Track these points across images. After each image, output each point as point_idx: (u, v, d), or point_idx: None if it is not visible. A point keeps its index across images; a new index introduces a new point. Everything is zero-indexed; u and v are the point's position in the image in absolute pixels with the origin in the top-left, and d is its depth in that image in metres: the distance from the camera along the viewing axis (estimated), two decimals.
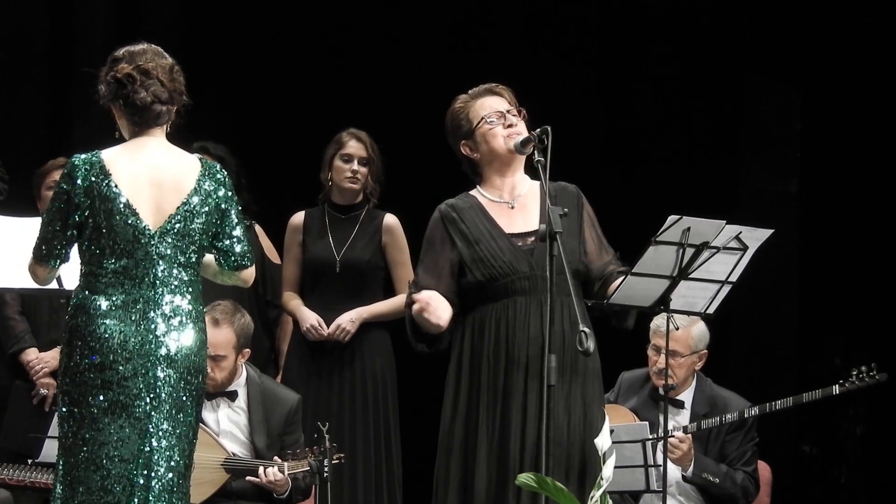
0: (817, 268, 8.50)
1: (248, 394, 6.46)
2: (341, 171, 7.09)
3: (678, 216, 5.28)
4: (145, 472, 4.90)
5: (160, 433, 4.92)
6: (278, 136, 8.21)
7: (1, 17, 7.92)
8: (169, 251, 4.96)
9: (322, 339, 6.96)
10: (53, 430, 5.27)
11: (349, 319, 6.96)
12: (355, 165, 7.09)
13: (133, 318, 4.92)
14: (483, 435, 5.17)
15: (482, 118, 5.36)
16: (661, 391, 6.40)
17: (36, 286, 5.20)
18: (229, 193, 5.07)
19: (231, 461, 6.31)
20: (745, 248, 5.45)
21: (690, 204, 5.66)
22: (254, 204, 7.08)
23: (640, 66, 8.57)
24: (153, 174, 4.99)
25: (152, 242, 4.95)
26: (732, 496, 6.56)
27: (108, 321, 4.91)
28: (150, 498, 4.90)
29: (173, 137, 5.11)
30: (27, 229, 5.42)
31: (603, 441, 4.76)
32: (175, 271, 4.97)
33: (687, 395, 6.66)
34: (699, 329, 6.64)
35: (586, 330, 4.92)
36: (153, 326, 4.93)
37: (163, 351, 4.93)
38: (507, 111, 5.38)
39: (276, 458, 6.30)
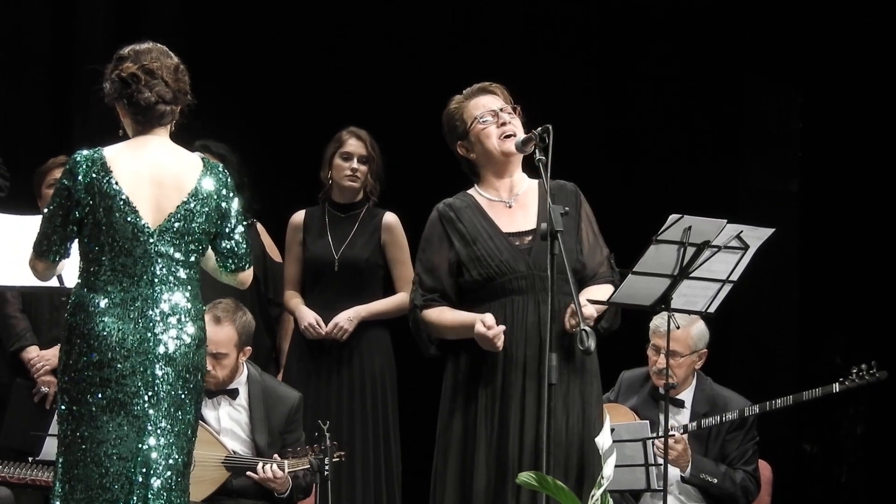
0: (817, 267, 8.50)
1: (249, 392, 6.45)
2: (341, 169, 7.08)
3: (679, 215, 5.28)
4: (144, 470, 4.89)
5: (158, 431, 4.91)
6: (279, 135, 8.21)
7: (1, 17, 7.91)
8: (168, 249, 4.95)
9: (320, 338, 6.96)
10: (54, 427, 5.25)
11: (347, 318, 6.95)
12: (355, 163, 7.08)
13: (131, 316, 4.92)
14: (482, 434, 5.17)
15: (475, 118, 5.36)
16: (661, 390, 6.40)
17: (37, 284, 5.20)
18: (230, 194, 5.06)
19: (232, 459, 6.30)
20: (746, 248, 5.44)
21: (691, 204, 5.66)
22: (255, 202, 7.08)
23: (640, 66, 8.56)
24: (154, 172, 4.98)
25: (151, 240, 4.94)
26: (732, 496, 6.56)
27: (106, 319, 4.90)
28: (149, 496, 4.89)
29: (176, 136, 5.10)
30: (28, 228, 5.40)
31: (603, 440, 4.76)
32: (174, 269, 4.96)
33: (687, 395, 6.66)
34: (699, 328, 6.63)
35: (587, 329, 4.92)
36: (151, 324, 4.92)
37: (161, 349, 4.92)
38: (501, 109, 5.37)
39: (276, 456, 6.30)
